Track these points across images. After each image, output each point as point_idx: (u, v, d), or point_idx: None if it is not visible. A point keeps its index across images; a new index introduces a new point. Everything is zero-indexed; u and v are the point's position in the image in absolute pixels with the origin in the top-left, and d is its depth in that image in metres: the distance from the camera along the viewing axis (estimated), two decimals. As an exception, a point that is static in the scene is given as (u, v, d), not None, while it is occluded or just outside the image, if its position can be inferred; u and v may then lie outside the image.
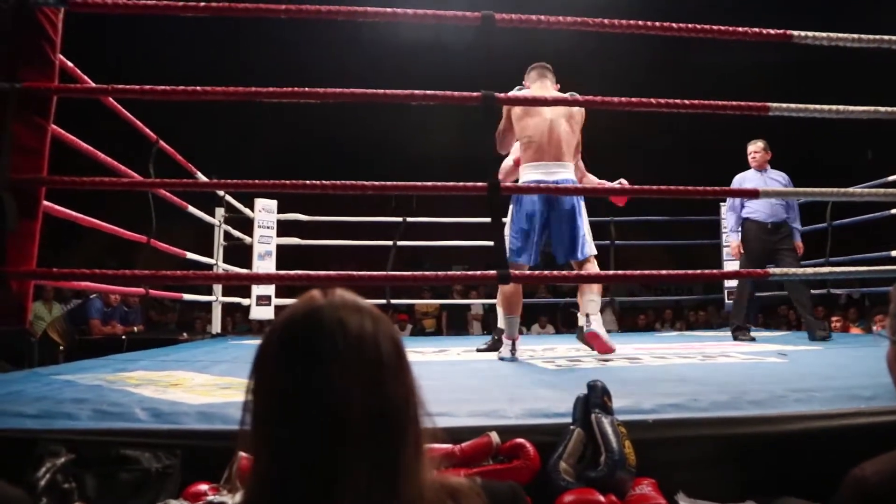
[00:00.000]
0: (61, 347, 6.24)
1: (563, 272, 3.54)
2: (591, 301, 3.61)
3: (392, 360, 0.79)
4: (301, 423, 0.74)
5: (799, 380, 2.52)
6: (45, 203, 2.46)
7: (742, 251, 5.19)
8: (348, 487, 0.72)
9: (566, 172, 3.61)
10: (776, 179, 5.13)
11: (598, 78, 7.41)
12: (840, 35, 2.61)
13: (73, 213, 3.03)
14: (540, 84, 3.78)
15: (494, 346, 4.15)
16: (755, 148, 5.25)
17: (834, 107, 2.61)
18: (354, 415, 0.74)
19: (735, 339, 5.05)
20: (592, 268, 3.70)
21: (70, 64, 2.76)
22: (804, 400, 1.95)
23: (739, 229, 5.24)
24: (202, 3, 2.46)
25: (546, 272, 3.52)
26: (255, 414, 0.79)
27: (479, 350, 4.30)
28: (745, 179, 5.20)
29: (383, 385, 0.77)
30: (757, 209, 5.13)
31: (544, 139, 3.59)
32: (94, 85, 2.91)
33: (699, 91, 2.96)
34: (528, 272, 3.56)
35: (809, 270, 2.80)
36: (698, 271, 2.75)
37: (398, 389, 0.78)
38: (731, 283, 7.17)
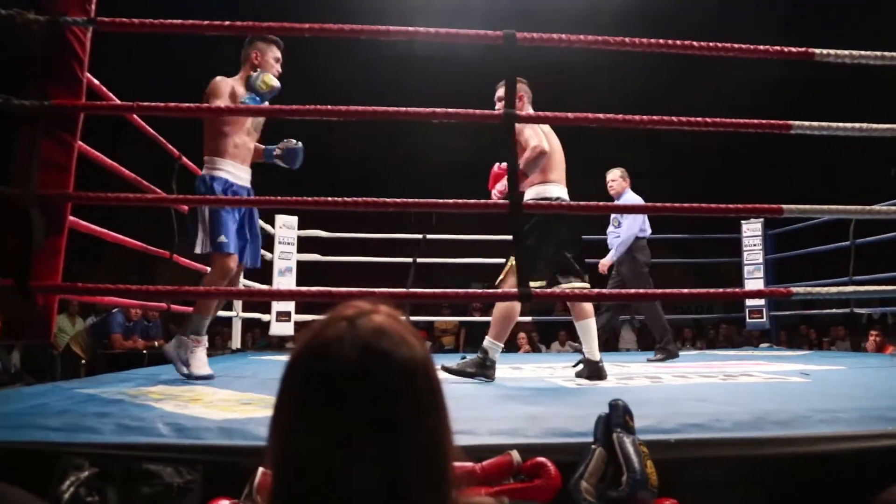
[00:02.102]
0: (83, 361, 6.30)
1: (584, 291, 3.49)
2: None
3: (432, 396, 0.72)
4: (330, 459, 0.68)
5: (823, 400, 2.49)
6: (71, 218, 2.50)
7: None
8: None
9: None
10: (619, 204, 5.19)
11: (612, 90, 7.39)
12: (863, 53, 2.58)
13: (98, 229, 3.07)
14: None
15: (592, 373, 3.54)
16: (611, 176, 5.32)
17: (856, 125, 2.57)
18: (398, 460, 0.68)
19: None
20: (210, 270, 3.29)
21: (96, 82, 2.80)
22: (829, 421, 1.93)
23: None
24: (226, 23, 2.50)
25: (561, 290, 3.49)
26: (276, 437, 0.73)
27: (578, 375, 3.65)
28: None
29: (426, 426, 0.71)
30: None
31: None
32: (120, 102, 2.96)
33: (718, 105, 2.95)
34: (546, 290, 3.46)
35: (833, 289, 2.76)
36: (720, 289, 2.73)
37: (439, 427, 0.72)
38: (753, 302, 7.12)
